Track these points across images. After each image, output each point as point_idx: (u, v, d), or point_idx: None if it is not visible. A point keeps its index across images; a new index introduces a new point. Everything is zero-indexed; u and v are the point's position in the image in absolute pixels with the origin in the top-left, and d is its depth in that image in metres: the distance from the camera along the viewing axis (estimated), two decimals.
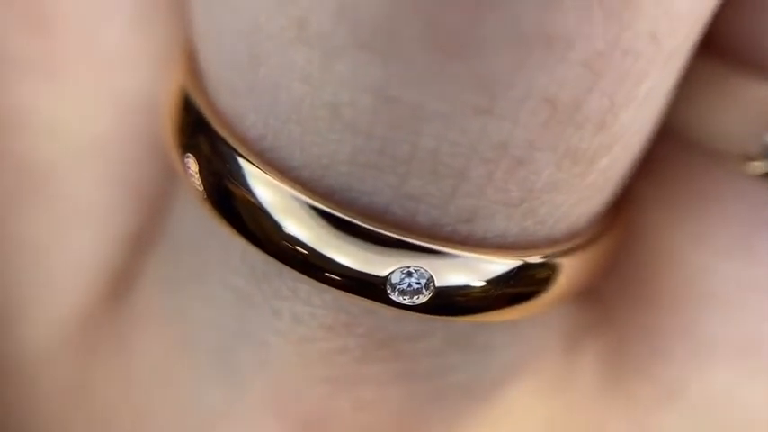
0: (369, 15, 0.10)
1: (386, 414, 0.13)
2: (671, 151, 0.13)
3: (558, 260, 0.12)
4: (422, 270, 0.11)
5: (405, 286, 0.11)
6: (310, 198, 0.11)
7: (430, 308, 0.11)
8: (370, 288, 0.11)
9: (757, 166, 0.12)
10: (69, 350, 0.14)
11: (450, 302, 0.11)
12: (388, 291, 0.11)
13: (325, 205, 0.11)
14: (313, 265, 0.11)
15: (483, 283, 0.12)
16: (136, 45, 0.13)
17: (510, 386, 0.14)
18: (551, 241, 0.12)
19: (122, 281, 0.14)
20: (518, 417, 0.14)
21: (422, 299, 0.11)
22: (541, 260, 0.12)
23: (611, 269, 0.14)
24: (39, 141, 0.13)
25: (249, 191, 0.11)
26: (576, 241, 0.12)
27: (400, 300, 0.11)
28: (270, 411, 0.13)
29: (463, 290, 0.11)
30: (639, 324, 0.14)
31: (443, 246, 0.11)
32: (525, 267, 0.12)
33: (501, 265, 0.12)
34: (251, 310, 0.12)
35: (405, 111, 0.10)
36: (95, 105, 0.13)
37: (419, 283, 0.11)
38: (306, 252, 0.11)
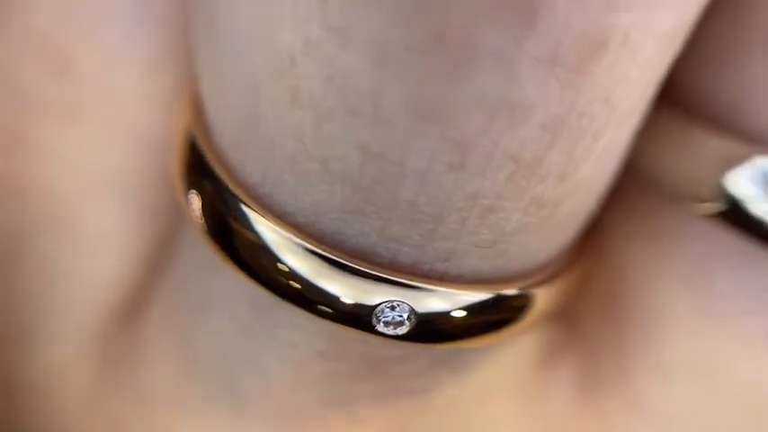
0: (355, 84, 0.10)
1: (378, 427, 0.14)
2: (636, 190, 0.14)
3: (531, 290, 0.13)
4: (404, 304, 0.12)
5: (389, 318, 0.12)
6: (303, 240, 0.12)
7: (413, 337, 0.12)
8: (358, 320, 0.12)
9: (710, 207, 0.12)
10: (85, 365, 0.14)
11: (431, 331, 0.12)
12: (374, 323, 0.12)
13: (317, 246, 0.12)
14: (306, 299, 0.12)
15: (463, 314, 0.12)
16: (149, 87, 0.14)
17: (490, 401, 0.14)
18: (524, 274, 0.12)
19: (136, 301, 0.14)
20: (498, 429, 0.14)
21: (404, 329, 0.12)
22: (516, 292, 0.12)
23: (582, 293, 0.14)
24: (60, 173, 0.14)
25: (248, 230, 0.12)
26: (548, 272, 0.13)
27: (384, 330, 0.12)
28: (270, 428, 0.13)
29: (444, 319, 0.12)
30: (608, 343, 0.14)
31: (423, 282, 0.12)
32: (501, 298, 0.12)
33: (477, 296, 0.12)
34: (252, 337, 0.13)
35: (387, 166, 0.11)
36: (111, 141, 0.14)
37: (401, 316, 0.12)
38: (299, 286, 0.12)
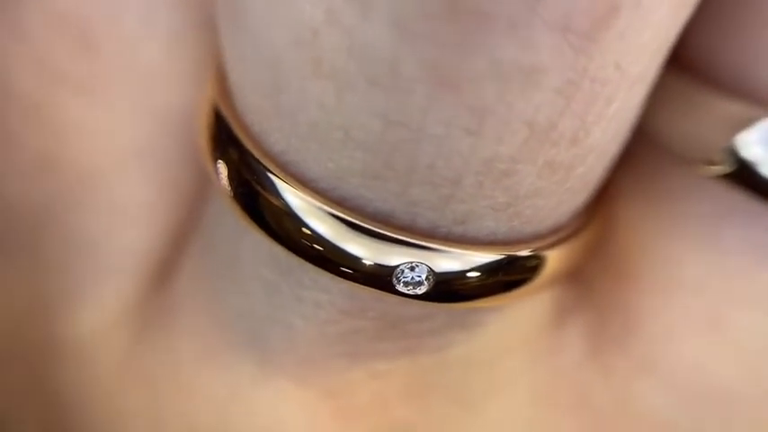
0: (375, 54, 0.11)
1: (397, 382, 0.14)
2: (647, 153, 0.14)
3: (544, 252, 0.13)
4: (423, 265, 0.12)
5: (408, 279, 0.12)
6: (326, 205, 0.12)
7: (431, 296, 0.12)
8: (379, 280, 0.12)
9: (719, 169, 0.12)
10: (119, 331, 0.15)
11: (449, 291, 0.12)
12: (394, 282, 0.12)
13: (339, 210, 0.12)
14: (328, 260, 0.12)
15: (478, 274, 0.12)
16: (173, 62, 0.14)
17: (503, 359, 0.14)
18: (537, 236, 0.13)
19: (166, 268, 0.15)
20: (510, 385, 0.14)
21: (423, 289, 0.12)
22: (530, 253, 0.13)
23: (593, 256, 0.14)
24: (87, 148, 0.14)
25: (273, 196, 0.12)
26: (561, 235, 0.13)
27: (404, 290, 0.12)
28: (295, 382, 0.14)
29: (461, 280, 0.12)
30: (617, 304, 0.14)
31: (441, 244, 0.12)
32: (515, 259, 0.12)
33: (492, 257, 0.12)
34: (278, 297, 0.13)
35: (406, 133, 0.11)
36: (137, 116, 0.14)
37: (420, 276, 0.12)
38: (322, 249, 0.12)
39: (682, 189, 0.13)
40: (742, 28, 0.12)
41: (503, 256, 0.12)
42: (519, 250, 0.13)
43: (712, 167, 0.12)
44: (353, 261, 0.12)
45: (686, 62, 0.13)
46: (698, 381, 0.14)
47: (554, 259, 0.13)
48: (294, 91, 0.11)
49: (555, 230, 0.13)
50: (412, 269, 0.12)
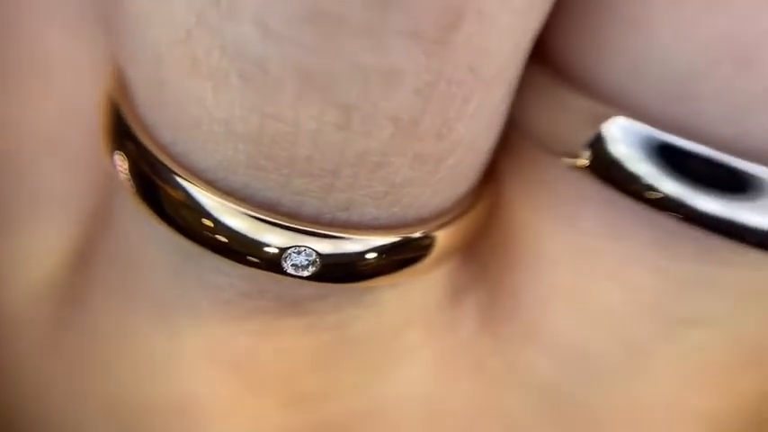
0: (245, 53, 0.11)
1: (303, 356, 0.15)
2: (524, 142, 0.14)
3: (434, 233, 0.13)
4: (309, 249, 0.13)
5: (296, 262, 0.13)
6: (216, 195, 0.12)
7: (322, 277, 0.13)
8: (270, 263, 0.13)
9: (578, 162, 0.13)
10: (42, 311, 0.15)
11: (339, 271, 0.13)
12: (284, 265, 0.13)
13: (228, 200, 0.12)
14: (224, 246, 0.13)
15: (374, 255, 0.13)
16: (77, 52, 0.14)
17: (403, 334, 0.15)
18: (422, 220, 0.13)
19: (85, 251, 0.15)
20: (412, 355, 0.15)
21: (310, 271, 0.13)
22: (420, 234, 0.13)
23: (481, 235, 0.15)
24: (3, 135, 0.14)
25: (170, 188, 0.12)
26: (448, 217, 0.14)
27: (293, 272, 0.13)
28: (205, 358, 0.14)
29: (350, 260, 0.13)
30: (504, 280, 0.15)
31: (326, 229, 0.13)
32: (406, 241, 0.13)
33: (383, 240, 0.13)
34: (182, 280, 0.14)
35: (282, 126, 0.12)
36: (47, 106, 0.14)
37: (307, 260, 0.13)
38: (216, 236, 0.13)
39: (550, 176, 0.14)
40: (588, 29, 0.12)
41: (395, 239, 0.13)
42: (410, 232, 0.13)
43: (572, 160, 0.13)
44: (246, 247, 0.13)
45: (549, 60, 0.13)
46: (570, 346, 0.14)
47: (443, 239, 0.13)
48: (176, 87, 0.12)
49: (441, 213, 0.14)
50: (299, 253, 0.13)
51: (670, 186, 0.12)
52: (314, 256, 0.13)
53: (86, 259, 0.15)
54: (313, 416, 0.15)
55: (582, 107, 0.12)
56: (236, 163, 0.12)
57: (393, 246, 0.13)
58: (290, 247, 0.13)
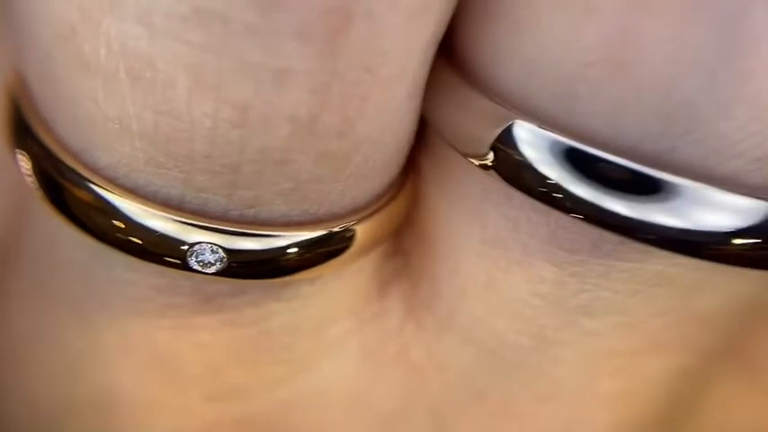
0: (134, 51, 0.11)
1: (223, 351, 0.15)
2: (436, 138, 0.14)
3: (353, 227, 0.13)
4: (215, 245, 0.13)
5: (202, 259, 0.13)
6: (119, 193, 0.12)
7: (235, 273, 0.13)
8: (176, 260, 0.13)
9: (483, 161, 0.13)
10: None
11: (252, 268, 0.13)
12: (189, 262, 0.13)
13: (131, 198, 0.12)
14: (129, 244, 0.13)
15: (285, 251, 0.13)
16: None
17: (331, 324, 0.15)
18: (335, 215, 0.13)
19: (4, 250, 0.15)
20: (340, 346, 0.15)
21: (216, 267, 0.13)
22: (338, 229, 0.13)
23: (404, 227, 0.15)
24: None
25: (73, 186, 0.12)
26: (366, 211, 0.14)
27: (199, 268, 0.13)
28: (123, 355, 0.14)
29: (261, 258, 0.13)
30: (425, 271, 0.15)
31: (233, 226, 0.13)
32: (325, 236, 0.13)
33: (296, 236, 0.13)
34: (93, 278, 0.14)
35: (178, 124, 0.12)
36: None
37: (214, 256, 0.13)
38: (121, 234, 0.12)
39: (460, 171, 0.14)
40: (486, 31, 0.12)
41: (315, 234, 0.13)
42: (325, 228, 0.13)
43: (477, 159, 0.13)
44: (152, 244, 0.13)
45: (456, 60, 0.13)
46: (485, 334, 0.14)
47: (363, 232, 0.14)
48: (68, 84, 0.12)
49: (359, 208, 0.14)
50: (204, 250, 0.13)
51: (578, 190, 0.12)
52: (221, 253, 0.13)
53: (6, 258, 0.15)
54: (238, 410, 0.15)
55: (485, 108, 0.13)
56: (135, 161, 0.12)
57: (312, 241, 0.13)
58: (195, 244, 0.13)
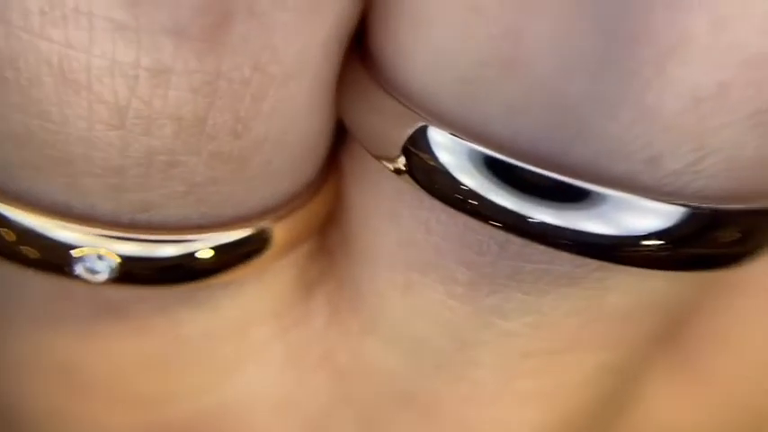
0: None
1: (131, 360, 0.14)
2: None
3: (270, 228, 0.13)
4: (101, 253, 0.12)
5: (90, 266, 0.12)
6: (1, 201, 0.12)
7: (123, 280, 0.12)
8: (58, 268, 0.12)
9: (396, 164, 0.12)
10: None
11: (144, 273, 0.13)
12: (76, 270, 0.12)
13: (15, 206, 0.12)
14: (16, 254, 0.12)
15: (212, 253, 0.13)
16: None
17: (252, 329, 0.15)
18: (241, 218, 0.13)
19: None
20: (263, 351, 0.15)
21: (109, 275, 0.12)
22: (250, 232, 0.13)
23: (329, 227, 0.15)
24: None
25: None
26: (281, 212, 0.13)
27: (86, 276, 0.12)
28: (29, 365, 0.14)
29: (146, 264, 0.13)
30: (348, 272, 0.15)
31: (125, 232, 0.12)
32: (240, 240, 0.13)
33: (200, 240, 0.13)
34: None
35: (52, 126, 0.11)
36: None
37: (103, 264, 0.12)
38: (9, 245, 0.12)
39: (375, 171, 0.14)
40: (390, 29, 0.12)
41: (234, 235, 0.13)
42: (234, 230, 0.13)
43: (389, 162, 0.13)
44: (35, 251, 0.12)
45: (368, 61, 0.13)
46: (406, 336, 0.14)
47: (281, 233, 0.13)
48: None
49: (270, 209, 0.13)
50: (91, 258, 0.12)
51: (495, 198, 0.12)
52: (109, 260, 0.12)
53: None
54: (154, 418, 0.15)
55: (393, 109, 0.12)
56: (10, 165, 0.12)
57: (224, 244, 0.13)
58: (81, 251, 0.12)
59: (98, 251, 0.12)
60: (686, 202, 0.11)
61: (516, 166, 0.11)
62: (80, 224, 0.12)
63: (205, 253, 0.13)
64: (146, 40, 0.11)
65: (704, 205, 0.11)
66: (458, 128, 0.12)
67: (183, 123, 0.11)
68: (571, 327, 0.14)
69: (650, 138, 0.11)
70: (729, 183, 0.11)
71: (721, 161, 0.11)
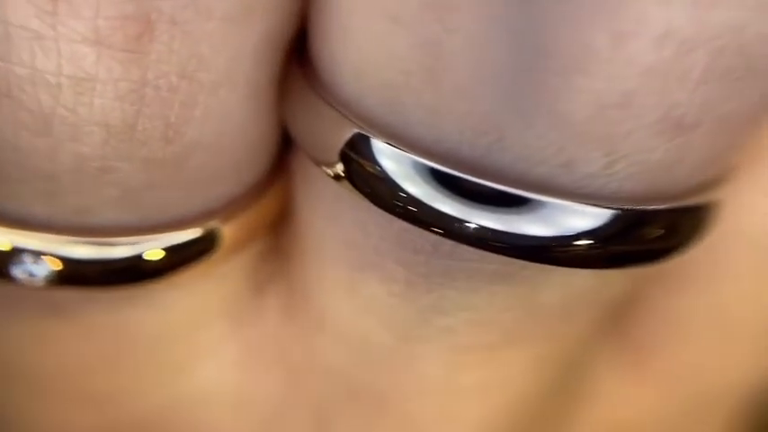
0: None
1: (79, 360, 0.14)
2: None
3: (218, 227, 0.13)
4: (37, 254, 0.12)
5: (27, 269, 0.12)
6: None
7: (62, 281, 0.13)
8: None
9: (335, 170, 0.12)
10: None
11: (82, 276, 0.13)
12: (13, 272, 0.12)
13: None
14: None
15: (161, 256, 0.13)
16: None
17: (204, 329, 0.15)
18: (182, 221, 0.13)
19: None
20: (216, 350, 0.15)
21: (46, 277, 0.13)
22: (194, 235, 0.13)
23: (282, 227, 0.15)
24: None
25: None
26: (222, 214, 0.13)
27: (24, 278, 0.12)
28: None
29: (91, 266, 0.13)
30: (298, 271, 0.15)
31: (65, 235, 0.12)
32: (188, 242, 0.13)
33: (142, 242, 0.13)
34: None
35: None
36: None
37: (39, 266, 0.12)
38: None
39: (318, 173, 0.14)
40: (322, 37, 0.12)
41: (194, 234, 0.13)
42: (168, 234, 0.13)
43: (328, 168, 0.13)
44: None
45: (307, 64, 0.13)
46: (352, 334, 0.14)
47: (230, 233, 0.13)
48: None
49: (212, 212, 0.13)
50: (27, 260, 0.12)
51: (437, 204, 0.12)
52: (45, 262, 0.13)
53: None
54: (108, 416, 0.15)
55: (328, 115, 0.12)
56: None
57: (173, 246, 0.13)
58: (16, 254, 0.12)
59: (36, 254, 0.13)
60: (613, 204, 0.12)
61: (459, 177, 0.12)
62: (17, 228, 0.12)
63: (154, 254, 0.13)
64: (65, 49, 0.11)
65: (629, 207, 0.12)
66: (385, 132, 0.12)
67: (111, 130, 0.12)
68: (506, 322, 0.14)
69: (564, 143, 0.11)
70: (643, 185, 0.12)
71: (632, 165, 0.11)
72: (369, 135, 0.12)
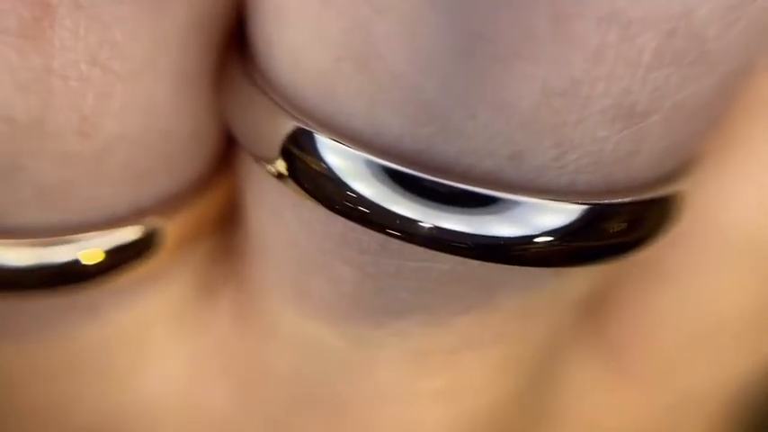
0: None
1: (19, 370, 0.14)
2: None
3: (159, 225, 0.13)
4: None
5: None
6: None
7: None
8: None
9: (276, 167, 0.12)
10: None
11: (26, 282, 0.12)
12: None
13: None
14: None
15: (102, 259, 0.12)
16: None
17: (149, 336, 0.14)
18: (118, 220, 0.13)
19: None
20: (163, 358, 0.15)
21: None
22: (137, 235, 0.13)
23: (233, 228, 0.14)
24: None
25: None
26: (157, 213, 0.13)
27: None
28: None
29: (44, 271, 0.12)
30: (247, 276, 0.14)
31: None
32: (124, 244, 0.13)
33: (69, 245, 0.12)
34: None
35: None
36: None
37: None
38: None
39: (259, 169, 0.13)
40: (259, 26, 0.12)
41: (134, 233, 0.13)
42: (98, 233, 0.13)
43: (269, 164, 0.12)
44: None
45: (245, 53, 0.12)
46: (305, 340, 0.14)
47: (173, 231, 0.13)
48: None
49: (147, 210, 0.13)
50: None
51: (390, 205, 0.11)
52: None
53: None
54: (52, 428, 0.15)
55: (269, 108, 0.12)
56: None
57: (110, 248, 0.13)
58: None
59: None
60: (571, 199, 0.11)
61: (417, 176, 0.11)
62: None
63: (92, 256, 0.13)
64: None
65: (589, 201, 0.11)
66: (324, 125, 0.11)
67: (15, 124, 0.11)
68: (464, 323, 0.13)
69: (510, 134, 0.11)
70: (599, 177, 0.11)
71: (584, 156, 0.11)
72: (311, 130, 0.11)
